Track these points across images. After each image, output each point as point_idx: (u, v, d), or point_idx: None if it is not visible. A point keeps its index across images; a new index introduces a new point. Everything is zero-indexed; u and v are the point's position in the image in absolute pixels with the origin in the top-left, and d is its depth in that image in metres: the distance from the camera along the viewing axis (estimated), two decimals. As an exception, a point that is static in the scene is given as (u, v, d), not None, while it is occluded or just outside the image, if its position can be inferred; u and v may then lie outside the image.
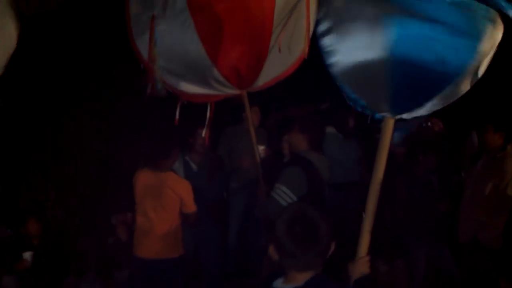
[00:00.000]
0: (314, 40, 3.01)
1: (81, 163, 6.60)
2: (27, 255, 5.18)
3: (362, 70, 2.59)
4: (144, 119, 6.19)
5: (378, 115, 2.70)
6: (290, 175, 3.61)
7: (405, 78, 2.50)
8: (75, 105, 6.74)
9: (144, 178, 4.14)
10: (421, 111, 2.66)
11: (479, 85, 2.66)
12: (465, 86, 2.60)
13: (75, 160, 6.66)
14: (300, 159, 3.68)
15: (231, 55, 3.34)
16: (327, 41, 2.76)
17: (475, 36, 2.45)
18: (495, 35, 2.49)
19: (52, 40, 6.47)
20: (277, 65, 3.55)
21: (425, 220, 4.59)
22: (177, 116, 3.81)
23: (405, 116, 2.68)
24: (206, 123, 3.81)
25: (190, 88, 3.55)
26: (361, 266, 2.45)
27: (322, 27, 2.80)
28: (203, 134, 3.94)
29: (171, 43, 3.33)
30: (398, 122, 2.71)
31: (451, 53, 2.46)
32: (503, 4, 2.45)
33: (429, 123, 5.15)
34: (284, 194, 3.55)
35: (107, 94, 6.60)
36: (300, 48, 3.32)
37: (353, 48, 2.61)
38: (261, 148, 5.05)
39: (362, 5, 2.57)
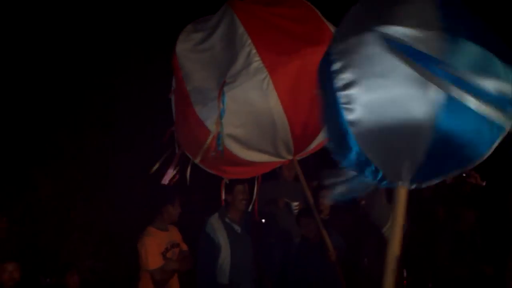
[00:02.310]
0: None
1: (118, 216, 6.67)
2: (65, 306, 5.21)
3: (391, 134, 2.15)
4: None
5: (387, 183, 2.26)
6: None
7: (443, 147, 2.12)
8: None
9: None
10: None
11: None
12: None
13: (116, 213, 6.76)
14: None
15: (304, 115, 3.32)
16: (347, 95, 2.18)
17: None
18: None
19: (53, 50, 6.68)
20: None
21: (468, 281, 4.43)
22: (223, 197, 3.87)
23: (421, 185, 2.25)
24: (254, 197, 3.81)
25: (251, 155, 3.53)
26: None
27: (342, 78, 2.19)
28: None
29: (244, 107, 3.32)
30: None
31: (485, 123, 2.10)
32: None
33: (464, 175, 5.00)
34: None
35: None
36: None
37: (384, 108, 2.12)
38: (295, 204, 4.94)
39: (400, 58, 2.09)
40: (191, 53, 3.60)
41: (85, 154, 6.92)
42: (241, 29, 3.43)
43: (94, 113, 7.11)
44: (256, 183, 3.98)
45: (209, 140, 3.36)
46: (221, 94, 3.27)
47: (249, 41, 3.36)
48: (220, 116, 3.29)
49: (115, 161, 6.84)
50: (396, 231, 2.26)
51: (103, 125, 7.08)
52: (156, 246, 4.31)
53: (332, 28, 3.48)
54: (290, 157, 3.57)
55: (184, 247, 4.50)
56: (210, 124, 3.39)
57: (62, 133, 6.93)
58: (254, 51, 3.32)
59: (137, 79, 7.04)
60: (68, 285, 5.38)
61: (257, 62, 3.29)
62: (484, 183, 4.87)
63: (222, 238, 4.31)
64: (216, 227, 4.36)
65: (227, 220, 4.38)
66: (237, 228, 4.41)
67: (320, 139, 3.60)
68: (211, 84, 3.41)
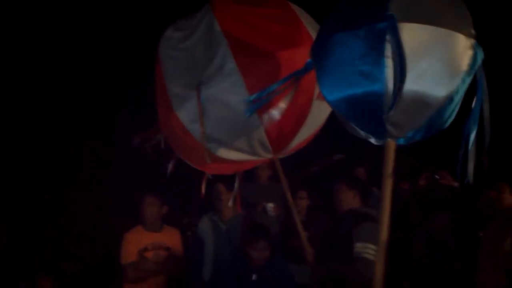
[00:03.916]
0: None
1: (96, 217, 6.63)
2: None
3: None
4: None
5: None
6: (367, 231, 3.63)
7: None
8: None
9: None
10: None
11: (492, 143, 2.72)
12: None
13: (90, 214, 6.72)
14: (365, 214, 3.73)
15: (279, 113, 3.38)
16: None
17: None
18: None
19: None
20: (308, 128, 3.59)
21: (441, 278, 4.52)
22: (203, 190, 3.90)
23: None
24: (235, 191, 3.85)
25: (230, 154, 3.59)
26: None
27: None
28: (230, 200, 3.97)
29: (219, 108, 3.38)
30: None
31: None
32: None
33: (436, 176, 5.11)
34: (373, 251, 3.52)
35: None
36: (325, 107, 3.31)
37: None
38: (270, 205, 5.00)
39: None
40: (173, 51, 3.62)
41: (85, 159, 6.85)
42: (218, 30, 3.47)
43: (93, 117, 7.07)
44: (236, 180, 4.01)
45: (204, 143, 3.44)
46: (199, 94, 3.31)
47: (225, 41, 3.38)
48: (202, 115, 3.37)
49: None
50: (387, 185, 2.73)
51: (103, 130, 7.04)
52: (134, 243, 4.41)
53: (311, 30, 3.51)
54: (270, 156, 3.61)
55: (177, 252, 4.50)
56: (191, 127, 3.46)
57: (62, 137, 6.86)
58: (229, 52, 3.33)
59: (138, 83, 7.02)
60: (42, 288, 5.33)
61: (230, 63, 3.31)
62: (457, 184, 4.99)
63: (207, 236, 4.50)
64: (203, 225, 4.56)
65: (214, 218, 4.58)
66: (222, 226, 4.57)
67: (302, 138, 3.65)
68: (189, 85, 3.42)
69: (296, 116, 3.51)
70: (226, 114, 3.41)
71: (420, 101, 2.57)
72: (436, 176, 5.13)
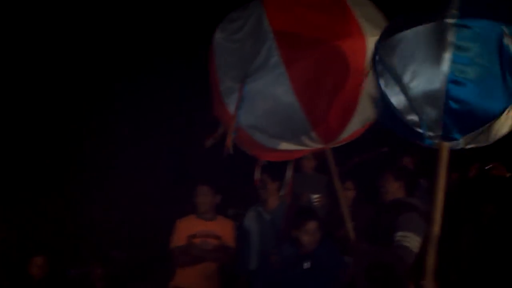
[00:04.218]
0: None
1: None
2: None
3: None
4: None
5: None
6: (409, 221, 3.64)
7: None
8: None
9: None
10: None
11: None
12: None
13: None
14: (409, 205, 3.75)
15: (324, 107, 3.41)
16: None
17: None
18: None
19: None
20: (360, 119, 3.59)
21: (488, 272, 4.44)
22: (256, 177, 3.94)
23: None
24: (287, 179, 3.87)
25: (279, 144, 3.64)
26: None
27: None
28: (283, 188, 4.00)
29: (263, 100, 3.43)
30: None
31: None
32: None
33: (488, 167, 4.99)
34: (413, 241, 3.56)
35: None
36: None
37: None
38: (315, 196, 5.01)
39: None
40: (226, 42, 3.67)
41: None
42: (265, 22, 3.48)
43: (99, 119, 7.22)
44: (288, 168, 4.04)
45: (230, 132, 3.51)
46: (242, 87, 3.35)
47: (271, 35, 3.39)
48: (238, 109, 3.41)
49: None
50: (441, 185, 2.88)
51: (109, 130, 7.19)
52: (184, 228, 4.58)
53: (364, 21, 3.50)
54: (320, 146, 3.64)
55: (228, 242, 4.58)
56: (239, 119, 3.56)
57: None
58: (274, 45, 3.33)
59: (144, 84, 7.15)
60: (93, 276, 5.50)
61: (276, 57, 3.31)
62: (509, 175, 4.88)
63: (252, 227, 4.63)
64: (250, 216, 4.70)
65: (259, 208, 4.71)
66: (266, 216, 4.70)
67: (353, 129, 3.66)
68: (238, 78, 3.49)
69: (345, 108, 3.50)
70: (271, 106, 3.42)
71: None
72: (486, 167, 5.01)
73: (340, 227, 4.32)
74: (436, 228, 2.74)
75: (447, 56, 2.69)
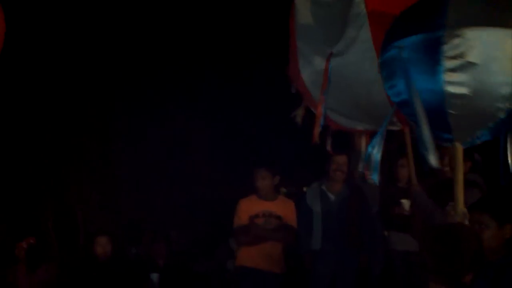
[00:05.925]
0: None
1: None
2: (154, 276, 5.32)
3: None
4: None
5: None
6: (471, 197, 3.52)
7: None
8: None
9: None
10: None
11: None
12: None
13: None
14: (471, 181, 3.63)
15: None
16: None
17: None
18: None
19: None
20: None
21: None
22: (328, 147, 3.80)
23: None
24: (362, 154, 3.72)
25: (353, 124, 3.51)
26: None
27: None
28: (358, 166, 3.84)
29: (344, 80, 3.22)
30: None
31: None
32: None
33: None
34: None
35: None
36: None
37: None
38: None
39: None
40: (310, 4, 3.45)
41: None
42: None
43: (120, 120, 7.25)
44: (363, 143, 3.86)
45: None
46: (328, 68, 3.18)
47: (364, 12, 3.14)
48: (324, 93, 3.23)
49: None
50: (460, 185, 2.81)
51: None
52: (246, 208, 4.56)
53: None
54: (397, 128, 3.46)
55: (290, 221, 4.52)
56: (312, 88, 3.43)
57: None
58: (366, 24, 3.09)
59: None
60: (155, 254, 5.54)
61: (366, 34, 3.09)
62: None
63: (315, 205, 4.53)
64: (312, 195, 4.61)
65: (323, 187, 4.61)
66: (331, 196, 4.60)
67: None
68: (320, 48, 3.30)
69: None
70: (352, 88, 3.27)
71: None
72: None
73: (396, 204, 4.35)
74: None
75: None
